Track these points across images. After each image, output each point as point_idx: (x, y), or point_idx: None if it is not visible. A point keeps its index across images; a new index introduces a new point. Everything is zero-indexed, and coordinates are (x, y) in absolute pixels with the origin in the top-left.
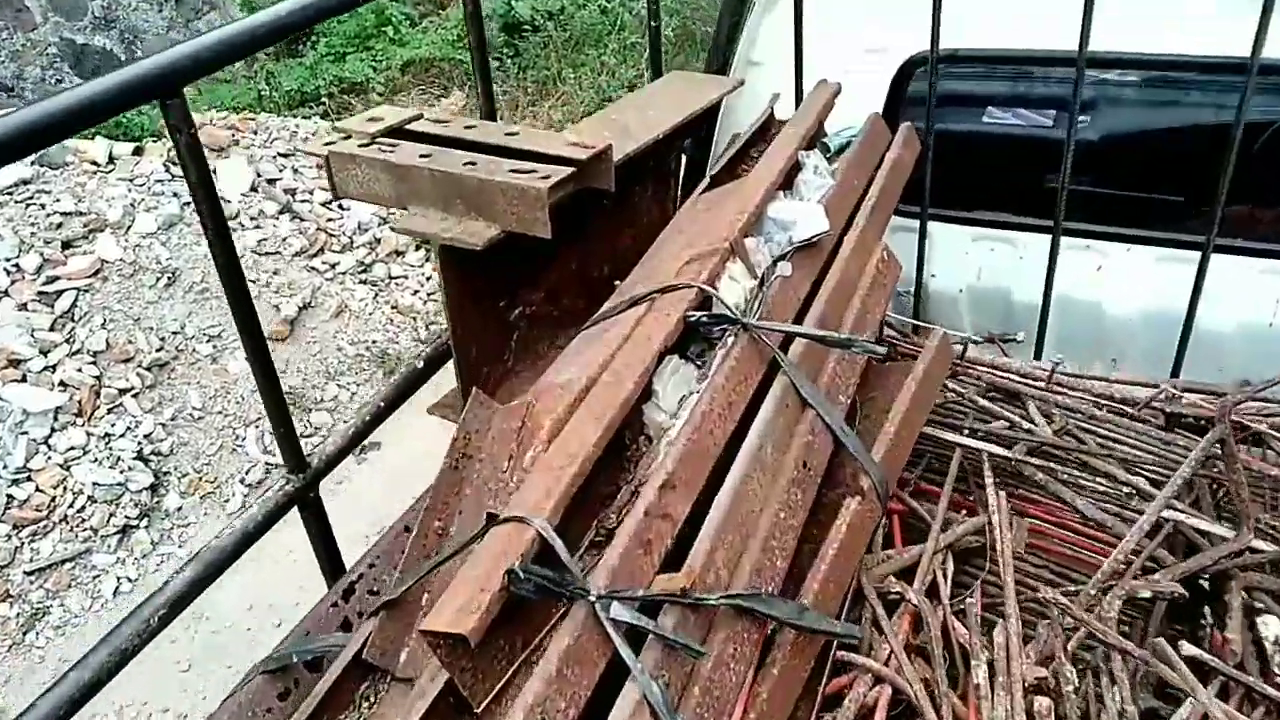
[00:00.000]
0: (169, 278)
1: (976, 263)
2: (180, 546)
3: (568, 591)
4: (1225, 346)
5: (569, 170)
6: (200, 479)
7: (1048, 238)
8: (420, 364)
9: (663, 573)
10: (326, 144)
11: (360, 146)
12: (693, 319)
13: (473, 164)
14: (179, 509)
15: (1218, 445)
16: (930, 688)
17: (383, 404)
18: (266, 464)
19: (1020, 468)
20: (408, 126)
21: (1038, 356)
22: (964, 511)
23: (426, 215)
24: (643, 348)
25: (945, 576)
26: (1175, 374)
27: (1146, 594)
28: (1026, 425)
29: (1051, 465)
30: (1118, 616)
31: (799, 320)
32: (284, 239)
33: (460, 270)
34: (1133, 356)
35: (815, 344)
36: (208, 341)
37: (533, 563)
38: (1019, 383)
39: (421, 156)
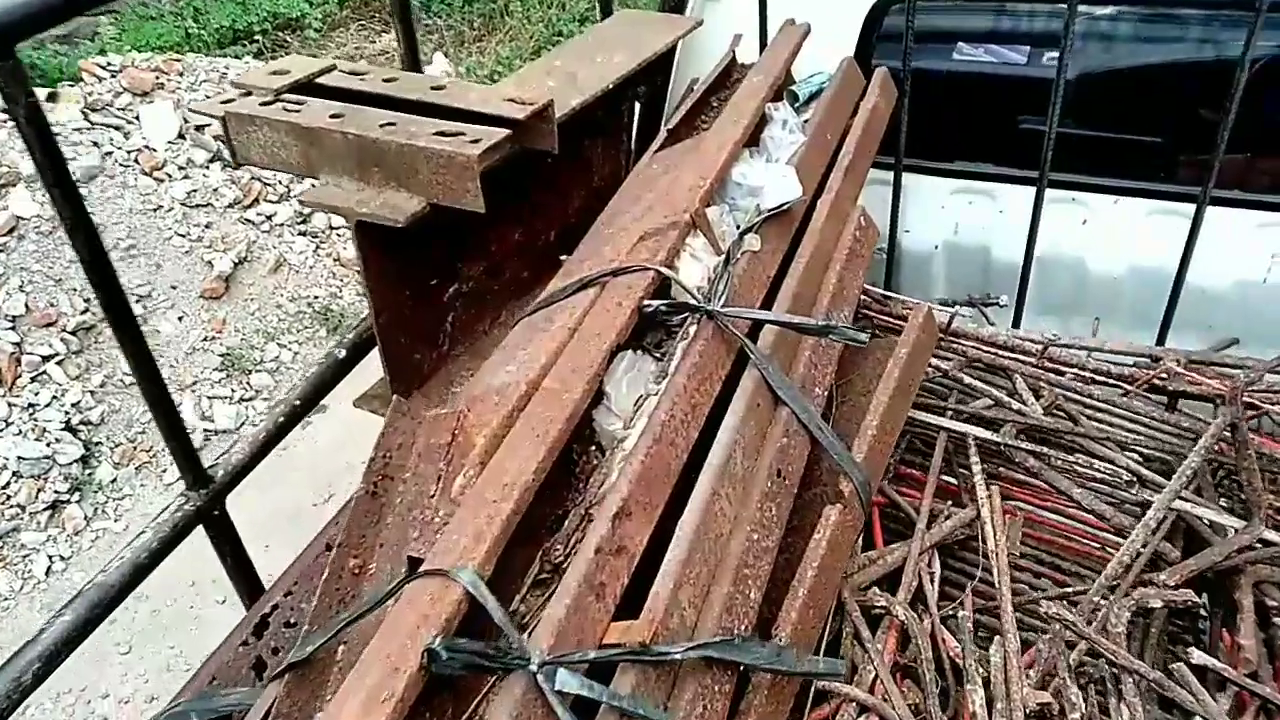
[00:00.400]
0: None
1: (953, 217)
2: (116, 521)
3: (503, 663)
4: (1215, 303)
5: (504, 132)
6: (135, 448)
7: (1030, 189)
8: (342, 353)
9: (619, 619)
10: (224, 102)
11: (262, 105)
12: (649, 309)
13: (392, 125)
14: (113, 481)
15: (1227, 429)
16: (921, 714)
17: (298, 402)
18: (205, 430)
19: (1010, 452)
20: (319, 80)
21: (1018, 318)
22: (949, 501)
23: (340, 185)
24: (591, 345)
25: (932, 580)
26: (1164, 333)
27: (1157, 604)
28: (1015, 405)
29: (1044, 450)
30: (1125, 630)
31: (769, 301)
32: (215, 189)
33: (382, 248)
34: (1118, 315)
35: (789, 330)
36: (137, 302)
37: (463, 623)
38: (1008, 358)
39: (332, 117)
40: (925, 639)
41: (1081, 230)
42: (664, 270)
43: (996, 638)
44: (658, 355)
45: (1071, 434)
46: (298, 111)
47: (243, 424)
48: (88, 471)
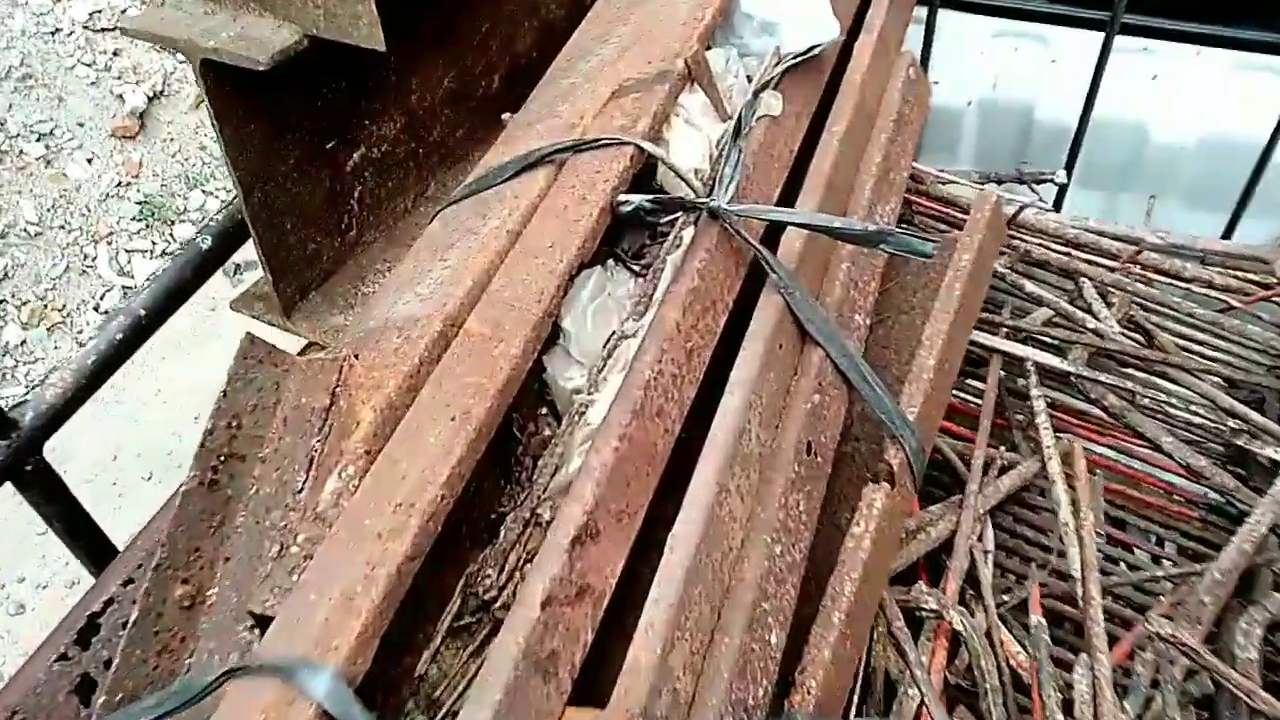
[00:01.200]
0: None
1: (993, 67)
2: (26, 388)
3: None
4: None
5: None
6: (45, 307)
7: (1094, 35)
8: (207, 242)
9: (578, 701)
10: None
11: None
12: (626, 207)
13: None
14: (22, 343)
15: None
16: None
17: (143, 313)
18: (124, 287)
19: (1082, 383)
20: None
21: (1061, 195)
22: (1002, 447)
23: (180, 7)
24: (542, 259)
25: (986, 558)
26: (1237, 215)
27: None
28: (1090, 322)
29: (1125, 386)
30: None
31: (792, 191)
32: (123, 10)
33: (244, 98)
34: (1176, 192)
35: (822, 235)
36: (38, 140)
37: None
38: (1083, 259)
39: None
40: (985, 651)
41: (1149, 88)
42: (647, 145)
43: (1081, 656)
44: (637, 269)
45: (1163, 363)
46: None
47: None
48: None
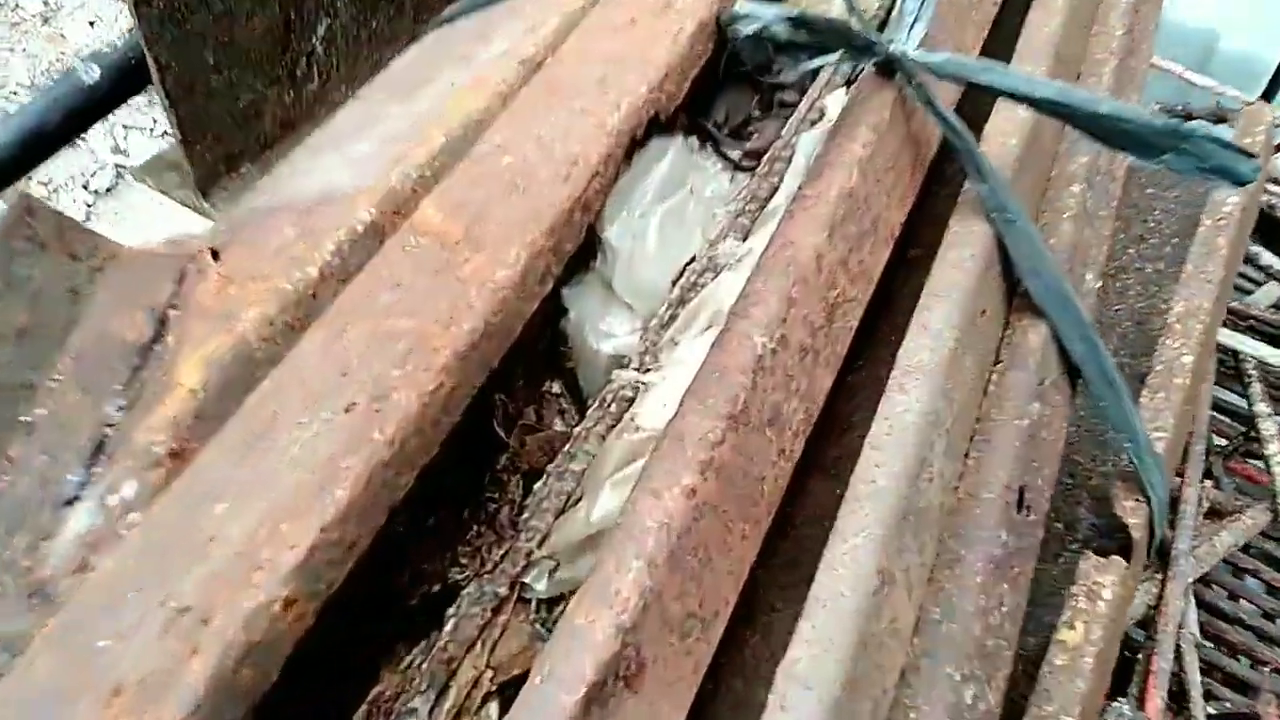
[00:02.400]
0: None
1: None
2: None
3: None
4: None
5: None
6: (29, 180)
7: None
8: (94, 74)
9: None
10: None
11: None
12: (747, 25)
13: None
14: None
15: None
16: None
17: None
18: (117, 166)
19: None
20: None
21: None
22: (1208, 482)
23: None
24: (581, 104)
25: (1190, 644)
26: None
27: None
28: None
29: None
30: None
31: (1003, 44)
32: None
33: None
34: None
35: (1044, 116)
36: None
37: None
38: None
39: None
40: None
41: None
42: None
43: None
44: (739, 157)
45: None
46: None
47: None
48: None
